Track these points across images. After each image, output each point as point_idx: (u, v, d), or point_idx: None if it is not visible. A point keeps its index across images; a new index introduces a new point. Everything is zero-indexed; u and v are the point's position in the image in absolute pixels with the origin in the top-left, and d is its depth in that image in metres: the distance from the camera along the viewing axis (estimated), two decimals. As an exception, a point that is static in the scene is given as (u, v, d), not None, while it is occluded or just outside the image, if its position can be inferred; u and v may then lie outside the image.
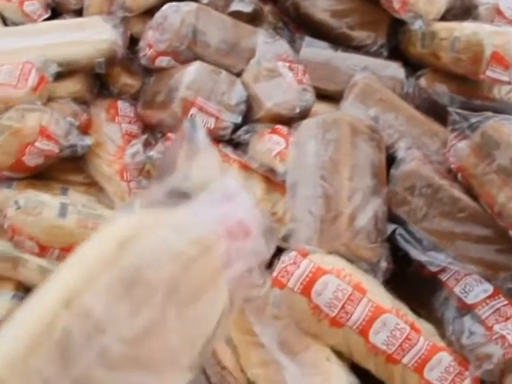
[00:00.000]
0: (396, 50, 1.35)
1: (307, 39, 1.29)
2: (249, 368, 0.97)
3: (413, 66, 1.31)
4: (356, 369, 0.94)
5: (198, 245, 0.54)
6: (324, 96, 1.24)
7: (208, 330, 0.56)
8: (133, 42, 1.31)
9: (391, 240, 1.02)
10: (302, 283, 0.90)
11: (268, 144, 1.06)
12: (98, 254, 0.52)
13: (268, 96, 1.09)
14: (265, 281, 0.97)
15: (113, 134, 1.22)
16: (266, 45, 1.15)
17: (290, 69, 1.11)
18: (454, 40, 1.14)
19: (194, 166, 0.64)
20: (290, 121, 1.10)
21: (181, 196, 0.57)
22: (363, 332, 0.90)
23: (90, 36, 1.25)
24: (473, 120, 1.05)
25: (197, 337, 0.55)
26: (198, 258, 0.53)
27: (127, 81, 1.30)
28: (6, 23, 1.39)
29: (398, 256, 1.01)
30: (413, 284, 1.04)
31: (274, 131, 1.07)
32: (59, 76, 1.21)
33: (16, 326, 0.49)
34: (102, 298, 0.49)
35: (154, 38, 1.18)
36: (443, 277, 1.01)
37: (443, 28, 1.21)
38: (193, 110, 1.07)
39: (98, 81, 1.32)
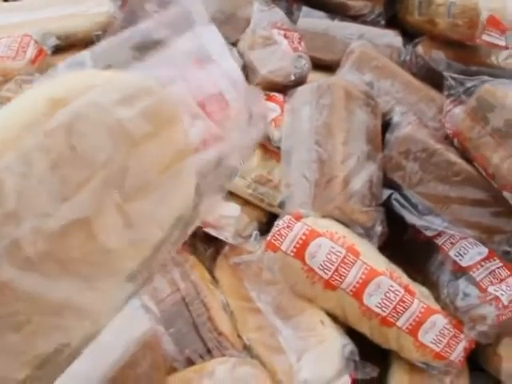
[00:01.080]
0: (394, 20, 1.35)
1: (304, 9, 1.29)
2: (245, 333, 0.98)
3: (410, 36, 1.31)
4: (351, 334, 0.95)
5: (154, 119, 0.42)
6: (322, 66, 1.24)
7: (159, 232, 0.44)
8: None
9: (387, 206, 1.02)
10: (295, 246, 0.91)
11: (263, 111, 1.06)
12: (19, 114, 0.40)
13: (263, 63, 1.08)
14: (260, 246, 0.98)
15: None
16: (261, 13, 1.15)
17: (286, 36, 1.11)
18: (450, 5, 1.13)
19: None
20: (285, 88, 1.09)
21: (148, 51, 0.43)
22: (357, 294, 0.90)
23: (88, 9, 1.25)
24: (468, 84, 1.04)
25: (142, 240, 0.44)
26: (154, 137, 0.42)
27: (125, 54, 1.31)
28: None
29: (395, 223, 1.02)
30: (409, 251, 1.04)
31: (269, 98, 1.07)
32: (58, 50, 1.22)
33: None
34: (19, 171, 0.37)
35: (151, 10, 1.18)
36: (439, 241, 1.01)
37: (440, -6, 1.20)
38: (188, 78, 1.07)
39: (96, 55, 1.33)
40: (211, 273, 1.10)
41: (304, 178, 0.99)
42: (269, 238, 0.93)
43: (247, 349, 0.96)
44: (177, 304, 1.02)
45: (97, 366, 0.79)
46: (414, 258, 1.03)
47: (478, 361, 1.01)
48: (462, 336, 0.93)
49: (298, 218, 0.93)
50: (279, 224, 0.93)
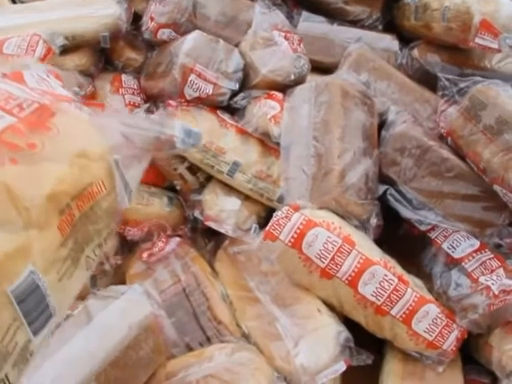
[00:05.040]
0: (391, 25, 1.39)
1: (304, 14, 1.34)
2: (244, 321, 1.01)
3: (407, 40, 1.35)
4: (348, 325, 0.97)
5: None
6: (321, 69, 1.27)
7: None
8: (136, 19, 1.35)
9: (383, 202, 1.05)
10: (293, 236, 0.94)
11: (263, 108, 1.09)
12: None
13: (263, 63, 1.12)
14: (259, 236, 1.01)
15: (117, 103, 1.26)
16: (263, 15, 1.19)
17: (286, 38, 1.15)
18: (445, 10, 1.17)
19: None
20: (285, 87, 1.13)
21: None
22: (352, 283, 0.93)
23: (95, 11, 1.28)
24: (462, 85, 1.08)
25: None
26: None
27: (131, 55, 1.34)
28: (14, 1, 1.44)
29: (390, 217, 1.05)
30: (404, 244, 1.08)
31: (269, 96, 1.11)
32: (66, 50, 1.25)
33: None
34: None
35: (156, 11, 1.22)
36: (432, 234, 1.04)
37: (435, -1, 1.24)
38: (191, 77, 1.10)
39: (103, 56, 1.36)
40: (211, 266, 1.13)
41: (302, 172, 1.02)
42: (267, 227, 0.96)
43: (246, 337, 0.99)
44: (178, 294, 1.05)
45: (101, 345, 0.82)
46: (408, 251, 1.06)
47: (470, 352, 1.04)
48: (454, 325, 0.96)
49: (296, 208, 0.96)
50: (278, 214, 0.96)
